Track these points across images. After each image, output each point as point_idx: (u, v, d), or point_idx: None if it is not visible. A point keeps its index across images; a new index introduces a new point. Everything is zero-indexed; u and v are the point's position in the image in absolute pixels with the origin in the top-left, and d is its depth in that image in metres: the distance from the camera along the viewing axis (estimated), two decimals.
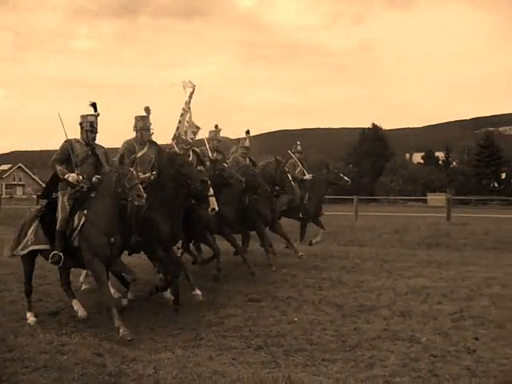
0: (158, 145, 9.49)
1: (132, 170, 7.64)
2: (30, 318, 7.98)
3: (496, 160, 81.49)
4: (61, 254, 7.65)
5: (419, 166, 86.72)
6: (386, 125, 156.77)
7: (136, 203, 7.47)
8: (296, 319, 7.85)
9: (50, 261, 7.77)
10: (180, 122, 10.27)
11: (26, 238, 7.96)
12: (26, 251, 7.98)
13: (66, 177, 7.87)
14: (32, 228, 7.98)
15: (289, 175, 12.41)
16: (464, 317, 8.06)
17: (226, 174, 10.51)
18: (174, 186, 8.59)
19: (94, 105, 8.19)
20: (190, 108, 10.37)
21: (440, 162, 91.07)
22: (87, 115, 8.19)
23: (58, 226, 7.73)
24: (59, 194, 7.98)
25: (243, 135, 12.51)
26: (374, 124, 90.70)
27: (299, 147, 14.77)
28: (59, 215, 7.80)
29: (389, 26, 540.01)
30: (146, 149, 9.18)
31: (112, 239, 7.46)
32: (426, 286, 10.14)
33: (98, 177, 7.94)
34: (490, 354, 6.47)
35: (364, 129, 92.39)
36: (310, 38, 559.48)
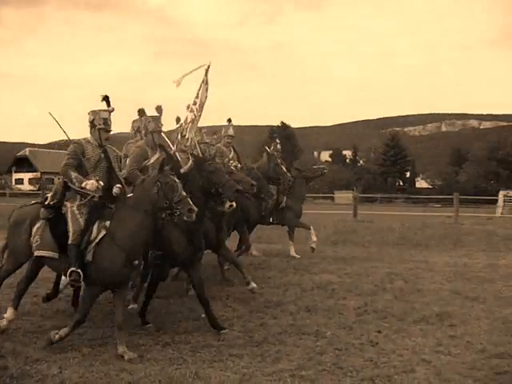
0: (166, 148, 8.48)
1: (176, 179, 6.62)
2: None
3: (401, 159, 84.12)
4: (79, 270, 6.42)
5: (327, 164, 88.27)
6: (295, 123, 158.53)
7: (186, 219, 6.50)
8: (203, 315, 7.87)
9: (68, 279, 6.53)
10: (195, 103, 9.09)
11: (31, 240, 6.87)
12: (33, 256, 6.96)
13: (83, 185, 6.63)
14: (36, 227, 6.87)
15: (283, 166, 12.10)
16: (368, 311, 8.31)
17: (235, 177, 8.99)
18: (201, 197, 7.53)
19: (106, 98, 7.01)
20: (207, 89, 9.24)
21: (347, 160, 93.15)
22: (99, 111, 6.97)
23: (70, 239, 6.52)
24: (67, 204, 6.77)
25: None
26: (282, 122, 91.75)
27: (279, 146, 13.41)
28: (70, 228, 6.57)
29: (299, 26, 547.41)
30: (157, 153, 8.24)
31: (136, 262, 6.50)
32: (332, 282, 10.38)
33: (120, 186, 6.86)
34: (392, 346, 6.72)
35: (273, 127, 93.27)
36: (221, 35, 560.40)
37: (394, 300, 8.98)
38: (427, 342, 6.84)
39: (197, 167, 7.87)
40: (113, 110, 7.02)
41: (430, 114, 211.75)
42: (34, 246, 6.83)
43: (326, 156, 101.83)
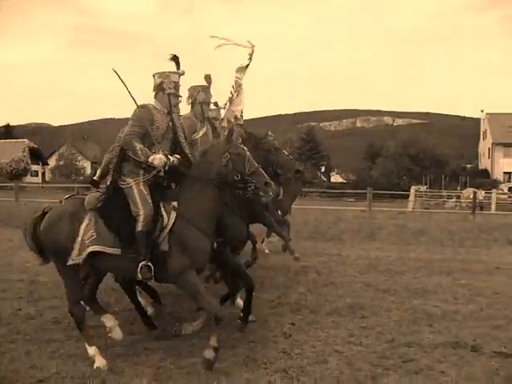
0: (211, 121, 7.77)
1: (247, 150, 5.91)
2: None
3: (316, 154, 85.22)
4: (150, 264, 5.57)
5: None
6: None
7: (262, 194, 5.78)
8: (117, 309, 7.78)
9: (139, 276, 5.64)
10: (234, 88, 8.39)
11: (80, 237, 5.71)
12: (84, 255, 5.71)
13: (150, 160, 5.74)
14: (85, 224, 5.75)
15: (284, 151, 11.48)
16: (281, 304, 8.42)
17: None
18: None
19: (175, 59, 6.16)
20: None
21: None
22: (169, 73, 6.07)
23: (140, 225, 5.58)
24: (128, 180, 5.85)
25: None
26: None
27: (275, 142, 12.42)
28: (140, 210, 5.62)
29: (218, 18, 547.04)
30: (205, 127, 7.51)
31: (215, 244, 5.85)
32: None
33: (178, 156, 6.00)
34: (305, 338, 6.82)
35: None
36: (137, 25, 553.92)
37: (307, 292, 9.12)
38: (339, 334, 6.99)
39: (254, 145, 7.30)
40: (183, 72, 6.18)
41: (346, 109, 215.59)
42: (86, 242, 5.69)
43: None
